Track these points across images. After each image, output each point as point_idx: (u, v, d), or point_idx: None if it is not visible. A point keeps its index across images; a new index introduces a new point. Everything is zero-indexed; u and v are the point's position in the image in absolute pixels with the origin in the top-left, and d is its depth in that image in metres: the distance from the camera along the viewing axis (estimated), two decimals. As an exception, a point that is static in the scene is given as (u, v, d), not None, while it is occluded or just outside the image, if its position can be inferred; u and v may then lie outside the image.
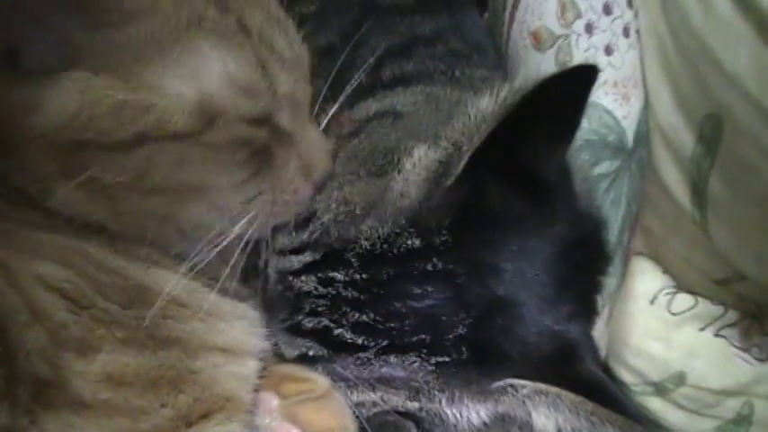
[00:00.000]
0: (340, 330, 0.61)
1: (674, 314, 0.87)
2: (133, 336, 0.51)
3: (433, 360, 0.59)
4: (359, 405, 0.63)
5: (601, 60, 0.78)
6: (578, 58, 0.78)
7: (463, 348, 0.59)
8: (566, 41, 0.78)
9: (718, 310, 0.88)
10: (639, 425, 0.57)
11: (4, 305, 0.47)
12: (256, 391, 0.59)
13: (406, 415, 0.63)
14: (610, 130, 0.79)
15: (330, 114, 0.68)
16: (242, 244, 0.59)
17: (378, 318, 0.59)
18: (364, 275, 0.60)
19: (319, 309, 0.61)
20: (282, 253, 0.64)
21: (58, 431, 0.46)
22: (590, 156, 0.77)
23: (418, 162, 0.60)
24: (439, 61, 0.78)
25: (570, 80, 0.53)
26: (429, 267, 0.59)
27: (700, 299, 0.88)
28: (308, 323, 0.62)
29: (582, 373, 0.61)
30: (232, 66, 0.51)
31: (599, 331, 0.76)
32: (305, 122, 0.60)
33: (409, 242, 0.59)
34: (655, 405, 0.87)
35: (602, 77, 0.78)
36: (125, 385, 0.50)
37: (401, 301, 0.59)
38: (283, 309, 0.64)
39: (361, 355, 0.60)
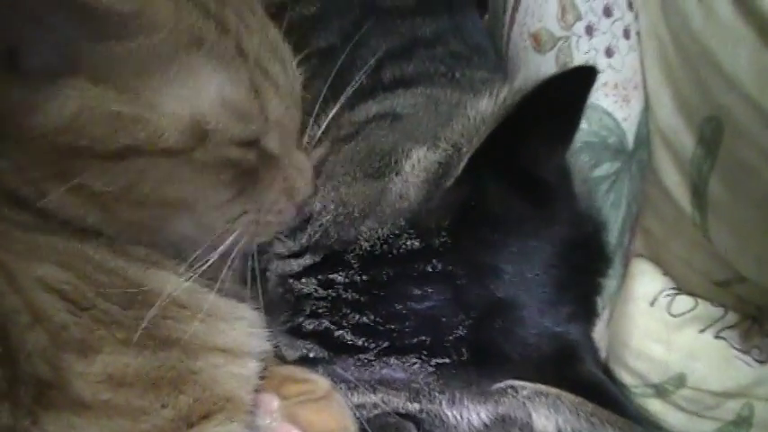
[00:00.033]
0: (340, 332, 0.61)
1: (674, 316, 0.87)
2: (133, 336, 0.51)
3: (433, 361, 0.59)
4: (359, 406, 0.63)
5: (601, 62, 0.78)
6: (578, 59, 0.78)
7: (463, 350, 0.59)
8: (566, 43, 0.78)
9: (718, 311, 0.88)
10: (639, 426, 0.57)
11: (5, 307, 0.47)
12: (257, 391, 0.59)
13: (407, 416, 0.63)
14: (610, 131, 0.79)
15: (330, 116, 0.69)
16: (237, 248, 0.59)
17: (378, 319, 0.59)
18: (364, 277, 0.60)
19: (320, 311, 0.61)
20: (282, 256, 0.64)
21: (58, 432, 0.46)
22: (590, 157, 0.77)
23: (417, 164, 0.61)
24: (439, 63, 0.78)
25: (570, 81, 0.53)
26: (429, 269, 0.59)
27: (700, 300, 0.88)
28: (309, 325, 0.62)
29: (582, 374, 0.61)
30: (227, 88, 0.51)
31: (599, 333, 0.76)
32: (292, 147, 0.61)
33: (409, 243, 0.59)
34: (655, 407, 0.87)
35: (602, 79, 0.78)
36: (125, 386, 0.50)
37: (401, 302, 0.59)
38: (284, 311, 0.64)
39: (362, 356, 0.60)
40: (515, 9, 0.83)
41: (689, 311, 0.88)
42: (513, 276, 0.60)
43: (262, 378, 0.60)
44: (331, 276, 0.61)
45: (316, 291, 0.61)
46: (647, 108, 0.82)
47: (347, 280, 0.60)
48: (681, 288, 0.89)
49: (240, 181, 0.55)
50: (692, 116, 0.77)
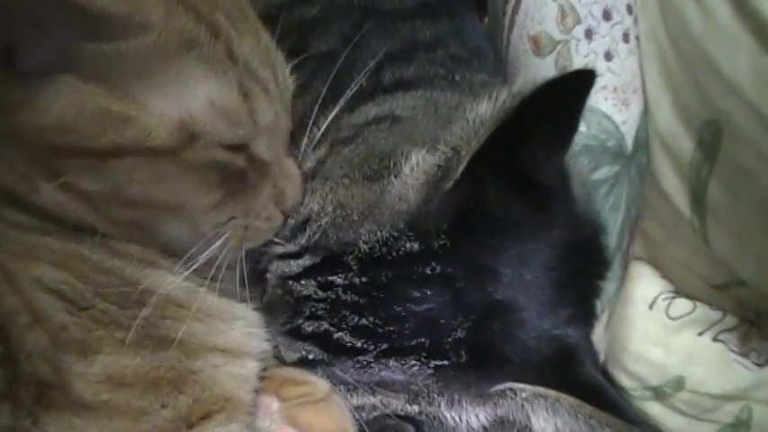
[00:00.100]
0: (340, 334, 0.61)
1: (672, 319, 0.87)
2: (132, 336, 0.51)
3: (432, 363, 0.59)
4: (358, 408, 0.63)
5: (600, 66, 0.78)
6: (578, 63, 0.78)
7: (462, 352, 0.59)
8: (565, 47, 0.79)
9: (716, 314, 0.88)
10: (638, 428, 0.57)
11: (4, 307, 0.47)
12: (257, 393, 0.59)
13: (406, 418, 0.63)
14: (609, 135, 0.79)
15: (330, 118, 0.69)
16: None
17: (377, 321, 0.59)
18: (363, 279, 0.60)
19: (319, 312, 0.61)
20: (282, 257, 0.64)
21: (59, 432, 0.46)
22: (589, 161, 0.77)
23: (416, 166, 0.61)
24: (439, 66, 0.78)
25: (568, 84, 0.53)
26: (428, 271, 0.59)
27: (698, 303, 0.88)
28: (308, 327, 0.62)
29: (581, 376, 0.61)
30: (216, 92, 0.51)
31: (598, 336, 0.76)
32: (281, 153, 0.62)
33: (408, 246, 0.59)
34: (654, 410, 0.87)
35: (601, 83, 0.78)
36: (125, 386, 0.50)
37: (400, 304, 0.59)
38: (283, 312, 0.64)
39: (361, 358, 0.60)
40: (515, 12, 0.83)
41: (687, 314, 0.88)
42: (512, 279, 0.60)
43: (261, 379, 0.60)
44: (330, 278, 0.61)
45: (315, 292, 0.61)
46: (646, 112, 0.82)
47: (346, 282, 0.60)
48: (679, 291, 0.89)
49: (228, 185, 0.56)
50: (691, 120, 0.77)
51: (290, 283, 0.63)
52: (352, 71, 0.73)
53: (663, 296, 0.89)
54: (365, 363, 0.60)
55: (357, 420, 0.62)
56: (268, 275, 0.65)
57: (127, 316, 0.52)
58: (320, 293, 0.61)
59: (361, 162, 0.64)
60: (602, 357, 0.84)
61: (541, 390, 0.59)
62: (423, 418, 0.62)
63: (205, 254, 0.57)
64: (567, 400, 0.58)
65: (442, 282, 0.59)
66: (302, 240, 0.62)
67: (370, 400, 0.62)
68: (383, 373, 0.61)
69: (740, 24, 0.68)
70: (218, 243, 0.58)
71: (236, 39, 0.54)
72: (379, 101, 0.73)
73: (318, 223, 0.62)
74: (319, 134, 0.69)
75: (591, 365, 0.63)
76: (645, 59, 0.82)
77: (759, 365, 0.86)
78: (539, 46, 0.80)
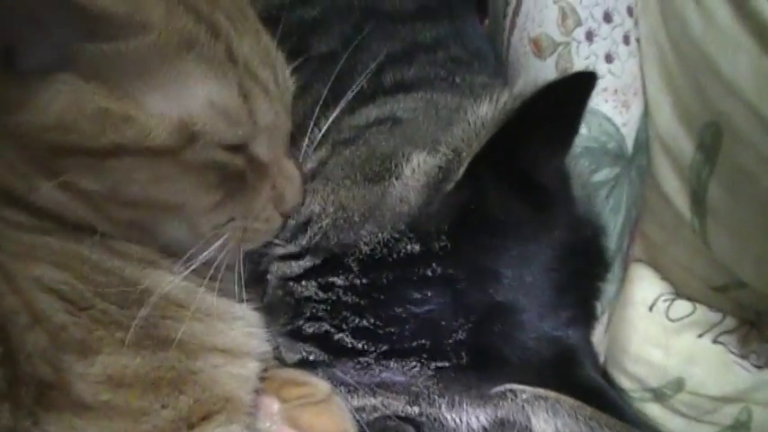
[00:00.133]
0: (340, 335, 0.61)
1: (672, 320, 0.87)
2: (131, 336, 0.51)
3: (432, 365, 0.59)
4: (359, 409, 0.63)
5: (601, 68, 0.78)
6: (579, 65, 0.79)
7: (463, 353, 0.59)
8: (566, 49, 0.79)
9: (716, 316, 0.88)
10: (638, 430, 0.57)
11: (4, 307, 0.47)
12: (257, 393, 0.59)
13: (407, 419, 0.63)
14: (610, 137, 0.79)
15: (330, 119, 0.69)
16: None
17: (378, 323, 0.59)
18: (364, 280, 0.60)
19: (320, 314, 0.61)
20: (282, 258, 0.64)
21: (59, 433, 0.46)
22: (590, 163, 0.78)
23: (417, 168, 0.61)
24: (440, 68, 0.78)
25: (569, 86, 0.53)
26: (429, 272, 0.59)
27: (698, 305, 0.88)
28: (309, 328, 0.62)
29: (581, 378, 0.61)
30: (216, 92, 0.52)
31: (598, 337, 0.76)
32: (281, 154, 0.62)
33: (409, 247, 0.59)
34: (653, 411, 0.87)
35: (602, 85, 0.78)
36: (125, 386, 0.50)
37: (401, 305, 0.59)
38: (284, 314, 0.64)
39: (362, 359, 0.60)
40: (516, 14, 0.83)
41: (687, 316, 0.88)
42: (513, 280, 0.60)
43: (262, 380, 0.60)
44: (331, 279, 0.61)
45: (316, 294, 0.61)
46: (646, 114, 0.82)
47: (347, 283, 0.60)
48: (679, 293, 0.89)
49: (227, 186, 0.56)
50: (691, 122, 0.77)
51: (291, 284, 0.63)
52: (352, 72, 0.73)
53: (663, 298, 0.89)
54: (366, 364, 0.60)
55: (358, 421, 0.62)
56: (269, 276, 0.65)
57: (127, 316, 0.52)
58: (321, 295, 0.61)
59: (362, 163, 0.64)
60: (602, 359, 0.84)
61: (542, 391, 0.59)
62: (423, 419, 0.62)
63: (203, 254, 0.57)
64: (568, 401, 0.58)
65: (442, 283, 0.59)
66: (303, 241, 0.62)
67: (371, 401, 0.62)
68: (384, 375, 0.61)
69: (740, 26, 0.68)
70: (216, 244, 0.58)
71: (237, 39, 0.54)
72: (379, 102, 0.73)
73: (319, 224, 0.62)
74: (320, 135, 0.69)
75: (591, 367, 0.63)
76: (645, 61, 0.82)
77: (759, 367, 0.86)
78: (539, 48, 0.80)
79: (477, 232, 0.59)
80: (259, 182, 0.59)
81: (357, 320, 0.60)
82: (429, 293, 0.59)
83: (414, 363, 0.60)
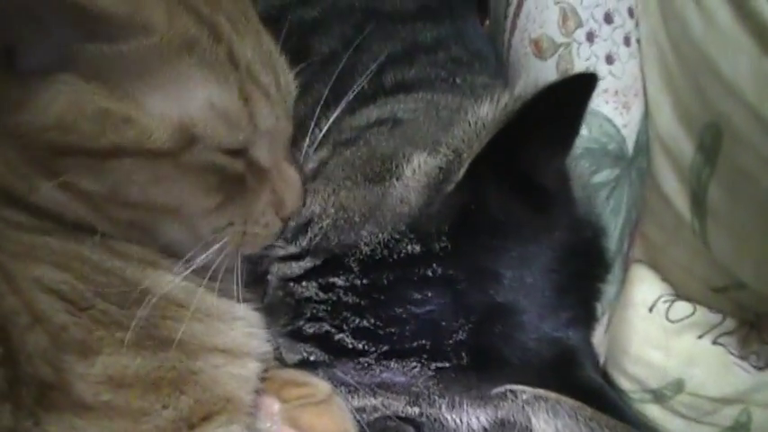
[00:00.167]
0: (341, 335, 0.61)
1: (672, 322, 0.87)
2: (132, 336, 0.51)
3: (433, 365, 0.59)
4: (359, 410, 0.63)
5: (602, 69, 0.79)
6: (579, 66, 0.79)
7: (463, 354, 0.59)
8: (567, 50, 0.79)
9: (716, 317, 0.88)
10: (638, 431, 0.57)
11: (4, 308, 0.47)
12: (258, 394, 0.59)
13: (407, 420, 0.63)
14: (610, 138, 0.79)
15: (331, 120, 0.69)
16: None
17: (378, 323, 0.59)
18: (365, 281, 0.60)
19: (320, 314, 0.61)
20: (283, 259, 0.64)
21: (60, 433, 0.46)
22: (590, 164, 0.78)
23: (418, 168, 0.61)
24: (440, 68, 0.78)
25: (570, 88, 0.53)
26: (429, 273, 0.59)
27: (698, 306, 0.88)
28: (309, 328, 0.62)
29: (581, 378, 0.61)
30: (216, 95, 0.51)
31: (598, 338, 0.77)
32: (281, 159, 0.62)
33: (409, 248, 0.59)
34: (653, 412, 0.87)
35: (602, 86, 0.78)
36: (126, 387, 0.50)
37: (401, 306, 0.59)
38: (284, 314, 0.64)
39: (362, 360, 0.60)
40: (517, 15, 0.83)
41: (687, 317, 0.88)
42: (513, 281, 0.60)
43: (262, 380, 0.60)
44: (331, 280, 0.61)
45: (316, 294, 0.61)
46: (646, 115, 0.82)
47: (348, 284, 0.60)
48: (679, 294, 0.89)
49: (227, 190, 0.56)
50: (691, 123, 0.77)
51: (291, 284, 0.63)
52: (353, 73, 0.73)
53: (663, 299, 0.89)
54: (366, 364, 0.60)
55: (358, 422, 0.62)
56: (269, 277, 0.65)
57: (127, 316, 0.52)
58: (321, 295, 0.61)
59: (363, 164, 0.64)
60: (602, 360, 0.84)
61: (542, 392, 0.59)
62: (423, 419, 0.62)
63: (202, 257, 0.57)
64: (568, 402, 0.58)
65: (443, 284, 0.59)
66: (303, 242, 0.62)
67: (371, 401, 0.62)
68: (384, 375, 0.61)
69: (741, 27, 0.68)
70: (215, 247, 0.58)
71: (238, 42, 0.54)
72: (380, 103, 0.74)
73: (320, 225, 0.62)
74: (320, 135, 0.69)
75: (591, 368, 0.63)
76: (646, 63, 0.82)
77: (759, 369, 0.86)
78: (540, 49, 0.80)
79: (477, 233, 0.59)
80: (259, 186, 0.59)
81: (357, 321, 0.60)
82: (429, 294, 0.59)
83: (414, 363, 0.60)
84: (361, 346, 0.60)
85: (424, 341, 0.59)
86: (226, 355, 0.56)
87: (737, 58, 0.68)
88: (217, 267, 0.58)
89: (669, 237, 0.87)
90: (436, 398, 0.61)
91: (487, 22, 0.96)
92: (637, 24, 0.81)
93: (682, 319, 0.88)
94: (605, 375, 0.87)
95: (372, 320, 0.59)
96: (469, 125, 0.59)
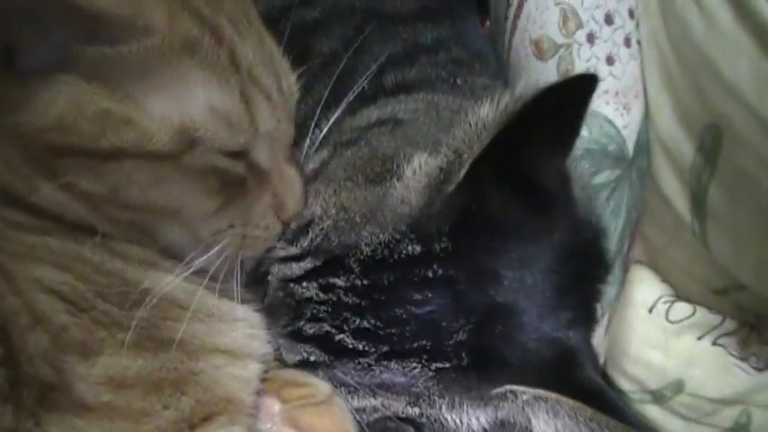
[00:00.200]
0: (341, 336, 0.61)
1: (672, 322, 0.87)
2: (132, 337, 0.51)
3: (433, 366, 0.59)
4: (360, 410, 0.63)
5: (602, 70, 0.79)
6: (580, 67, 0.79)
7: (463, 354, 0.59)
8: (567, 51, 0.79)
9: (716, 318, 0.88)
10: (637, 431, 0.57)
11: (5, 308, 0.47)
12: (258, 394, 0.59)
13: (407, 420, 0.63)
14: (610, 139, 0.79)
15: (332, 120, 0.69)
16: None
17: (378, 324, 0.59)
18: (365, 281, 0.60)
19: (320, 315, 0.61)
20: (284, 260, 0.64)
21: (60, 434, 0.46)
22: (590, 165, 0.78)
23: (419, 169, 0.61)
24: (441, 69, 0.78)
25: (570, 89, 0.54)
26: (429, 273, 0.59)
27: (698, 307, 0.88)
28: (310, 329, 0.62)
29: (581, 379, 0.61)
30: (217, 98, 0.51)
31: (598, 339, 0.77)
32: (282, 161, 0.61)
33: (410, 248, 0.59)
34: (653, 413, 0.87)
35: (603, 87, 0.78)
36: (127, 387, 0.50)
37: (402, 306, 0.59)
38: (284, 315, 0.64)
39: (362, 360, 0.60)
40: (517, 16, 0.83)
41: (687, 318, 0.88)
42: (513, 282, 0.60)
43: (263, 381, 0.60)
44: (332, 280, 0.61)
45: (316, 295, 0.61)
46: (647, 116, 0.82)
47: (348, 284, 0.60)
48: (679, 295, 0.89)
49: (227, 192, 0.56)
50: (691, 124, 0.77)
51: (292, 285, 0.63)
52: (354, 74, 0.73)
53: (663, 300, 0.89)
54: (366, 365, 0.60)
55: (358, 422, 0.62)
56: (269, 278, 0.65)
57: (128, 317, 0.52)
58: (321, 296, 0.61)
59: (364, 165, 0.64)
60: (601, 360, 0.84)
61: (542, 392, 0.59)
62: (423, 420, 0.62)
63: (201, 259, 0.57)
64: (568, 402, 0.58)
65: (443, 284, 0.59)
66: (304, 243, 0.62)
67: (372, 402, 0.62)
68: (384, 376, 0.61)
69: (741, 28, 0.68)
70: (215, 249, 0.58)
71: (240, 44, 0.54)
72: (380, 104, 0.74)
73: (321, 226, 0.62)
74: (321, 136, 0.69)
75: (591, 368, 0.63)
76: (646, 64, 0.82)
77: (758, 370, 0.86)
78: (540, 50, 0.80)
79: (477, 234, 0.59)
80: (259, 188, 0.59)
81: (358, 321, 0.60)
82: (430, 294, 0.59)
83: (414, 364, 0.60)
84: (361, 346, 0.60)
85: (424, 342, 0.59)
86: (227, 356, 0.56)
87: (738, 60, 0.69)
88: (217, 269, 0.58)
89: (669, 238, 0.87)
90: (436, 398, 0.61)
91: (488, 22, 0.96)
92: (637, 25, 0.81)
93: (681, 320, 0.88)
94: (605, 376, 0.87)
95: (373, 321, 0.59)
96: (470, 126, 0.59)
